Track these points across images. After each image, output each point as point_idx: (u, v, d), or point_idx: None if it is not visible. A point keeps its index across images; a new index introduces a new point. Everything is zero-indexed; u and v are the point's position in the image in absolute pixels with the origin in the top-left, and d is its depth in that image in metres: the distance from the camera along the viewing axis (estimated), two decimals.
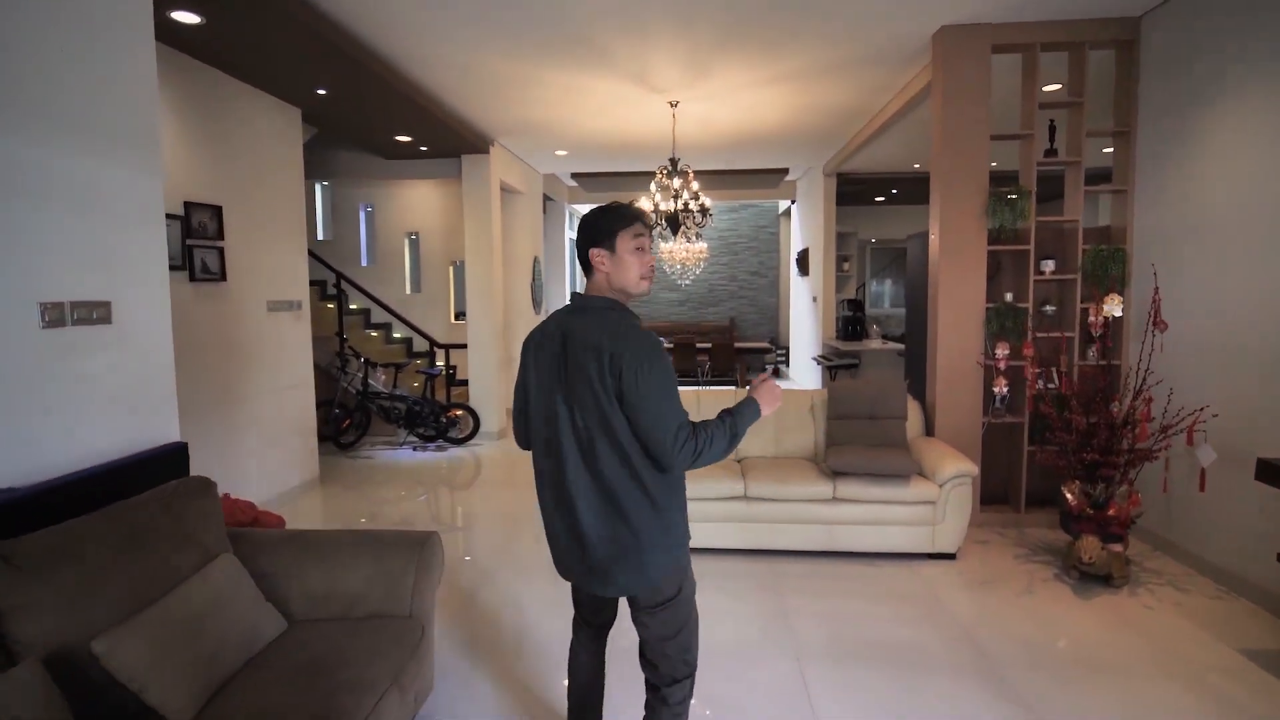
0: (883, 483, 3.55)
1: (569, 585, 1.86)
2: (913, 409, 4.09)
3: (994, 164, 4.07)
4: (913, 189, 9.25)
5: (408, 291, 7.71)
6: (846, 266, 10.11)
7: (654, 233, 6.03)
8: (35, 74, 1.99)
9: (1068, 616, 3.03)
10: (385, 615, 2.17)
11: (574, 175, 9.38)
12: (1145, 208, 3.87)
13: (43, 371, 2.01)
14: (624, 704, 2.31)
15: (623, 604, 1.90)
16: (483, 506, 4.94)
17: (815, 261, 8.76)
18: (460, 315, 7.66)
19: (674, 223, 6.05)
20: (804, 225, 9.62)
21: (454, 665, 2.67)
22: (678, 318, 12.36)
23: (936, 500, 3.54)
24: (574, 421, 1.61)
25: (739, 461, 4.02)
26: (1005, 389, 3.98)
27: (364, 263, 7.73)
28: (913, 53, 4.31)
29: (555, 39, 4.05)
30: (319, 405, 5.46)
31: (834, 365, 7.37)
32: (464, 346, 6.91)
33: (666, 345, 9.10)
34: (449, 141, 6.22)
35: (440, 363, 7.24)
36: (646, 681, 1.80)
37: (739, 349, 9.18)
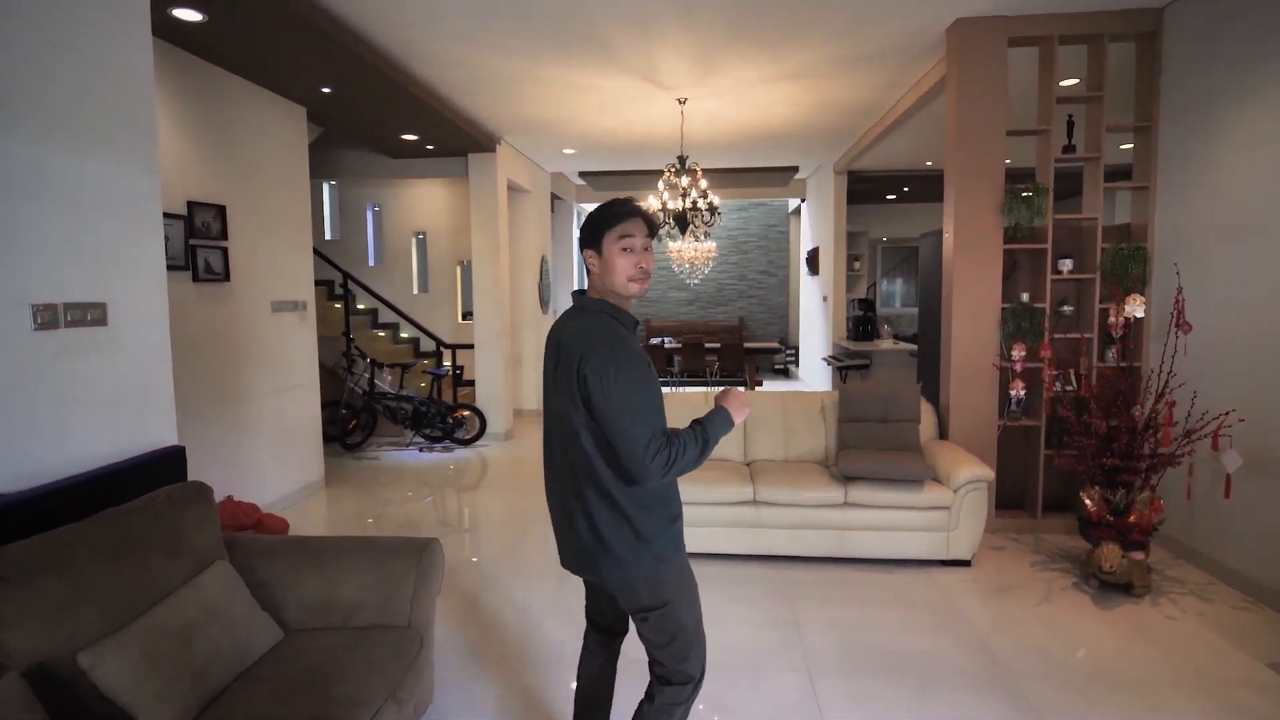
0: (895, 487, 3.46)
1: (575, 588, 1.87)
2: (926, 411, 4.00)
3: (1010, 160, 3.98)
4: (925, 187, 9.15)
5: (415, 291, 7.70)
6: (857, 265, 10.00)
7: (661, 231, 6.02)
8: (28, 71, 1.95)
9: (1087, 627, 2.95)
10: (384, 625, 2.12)
11: (582, 174, 9.33)
12: (1167, 205, 3.77)
13: (35, 375, 1.97)
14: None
15: None
16: (489, 508, 4.90)
17: (826, 260, 8.67)
18: (467, 315, 7.63)
19: (682, 221, 5.98)
20: (814, 224, 9.53)
21: (455, 673, 2.61)
22: (686, 317, 12.27)
23: (951, 506, 3.45)
24: (560, 421, 1.64)
25: (748, 465, 3.95)
26: (1022, 391, 3.89)
27: (371, 262, 7.73)
28: (926, 46, 4.23)
29: (562, 35, 3.99)
30: (325, 406, 5.44)
31: (845, 366, 7.28)
32: (471, 347, 6.87)
33: (674, 345, 9.16)
34: (455, 140, 6.17)
35: (447, 363, 7.21)
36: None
37: (748, 349, 9.07)
